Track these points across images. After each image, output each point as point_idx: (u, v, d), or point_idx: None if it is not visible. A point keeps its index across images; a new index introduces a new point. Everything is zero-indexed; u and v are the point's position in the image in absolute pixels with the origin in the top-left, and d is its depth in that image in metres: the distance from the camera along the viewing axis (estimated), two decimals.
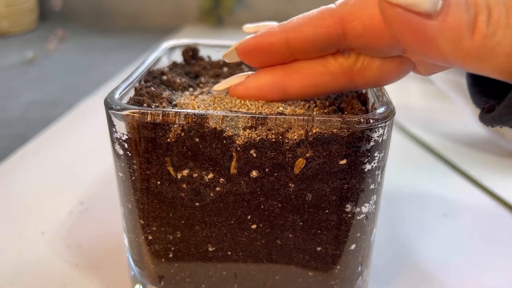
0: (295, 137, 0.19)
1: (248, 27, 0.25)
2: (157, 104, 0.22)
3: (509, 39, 0.15)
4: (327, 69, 0.21)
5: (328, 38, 0.20)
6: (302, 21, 0.20)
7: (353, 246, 0.22)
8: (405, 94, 0.63)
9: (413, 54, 0.20)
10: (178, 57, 0.31)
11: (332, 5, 0.20)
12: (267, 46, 0.21)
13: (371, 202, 0.22)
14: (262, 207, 0.21)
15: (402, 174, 0.42)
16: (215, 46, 0.32)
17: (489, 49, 0.15)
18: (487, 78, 0.20)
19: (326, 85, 0.21)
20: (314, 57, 0.21)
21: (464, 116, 0.53)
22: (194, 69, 0.29)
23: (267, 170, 0.20)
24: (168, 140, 0.20)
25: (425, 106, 0.60)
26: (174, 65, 0.29)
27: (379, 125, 0.19)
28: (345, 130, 0.19)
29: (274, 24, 0.22)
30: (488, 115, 0.18)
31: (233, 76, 0.23)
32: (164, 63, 0.29)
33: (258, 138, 0.19)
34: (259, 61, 0.22)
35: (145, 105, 0.22)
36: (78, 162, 0.45)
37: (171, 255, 0.23)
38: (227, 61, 0.23)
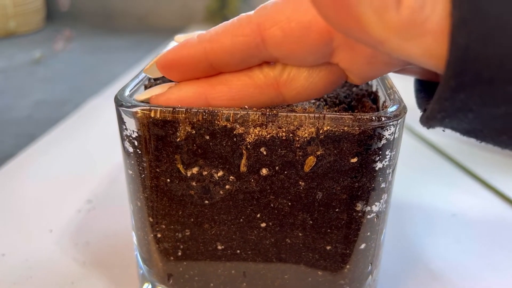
0: (306, 134, 0.19)
1: (179, 37, 0.24)
2: None
3: (438, 14, 0.13)
4: (253, 81, 0.20)
5: (247, 47, 0.18)
6: (220, 30, 0.19)
7: (363, 246, 0.22)
8: (412, 94, 0.63)
9: (343, 34, 0.17)
10: None
11: (250, 12, 0.19)
12: (185, 59, 0.19)
13: (381, 201, 0.21)
14: (271, 205, 0.21)
15: (410, 174, 0.42)
16: None
17: (416, 25, 0.13)
18: (433, 83, 0.20)
19: (252, 98, 0.20)
20: (238, 69, 0.20)
21: None
22: None
23: (277, 168, 0.20)
24: (178, 137, 0.20)
25: None
26: None
27: (391, 123, 0.19)
28: (357, 128, 0.19)
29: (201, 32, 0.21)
30: (423, 118, 0.17)
31: (156, 86, 0.22)
32: None
33: (268, 136, 0.19)
34: (180, 75, 0.20)
35: None
36: (86, 161, 0.45)
37: (180, 253, 0.23)
38: (149, 76, 0.22)
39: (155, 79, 0.25)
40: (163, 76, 0.21)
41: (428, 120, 0.16)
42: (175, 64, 0.20)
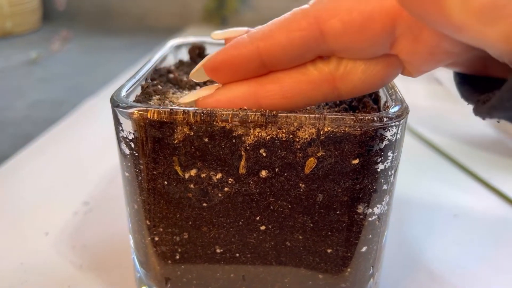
0: (306, 136, 0.19)
1: (216, 33, 0.23)
2: (164, 102, 0.22)
3: None
4: (306, 77, 0.19)
5: (304, 42, 0.18)
6: (273, 26, 0.18)
7: (364, 248, 0.22)
8: (413, 95, 0.63)
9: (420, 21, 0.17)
10: (184, 56, 0.31)
11: (305, 5, 0.18)
12: (237, 60, 0.19)
13: (383, 203, 0.21)
14: (271, 208, 0.21)
15: (411, 175, 0.42)
16: (221, 44, 0.31)
17: (498, 9, 0.13)
18: (473, 76, 0.19)
19: (306, 95, 0.19)
20: (291, 67, 0.19)
21: (472, 116, 0.53)
22: None
23: (277, 170, 0.20)
24: (176, 139, 0.19)
25: (433, 107, 0.60)
26: (180, 64, 0.29)
27: (393, 124, 0.19)
28: (358, 129, 0.18)
29: (243, 29, 0.20)
30: (485, 105, 0.16)
31: (202, 87, 0.21)
32: (170, 62, 0.29)
33: (268, 137, 0.19)
34: (230, 77, 0.20)
35: (152, 103, 0.21)
36: (83, 162, 0.44)
37: (177, 257, 0.22)
38: (194, 80, 0.21)
39: (152, 80, 0.25)
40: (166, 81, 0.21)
41: (491, 110, 0.16)
42: (225, 65, 0.19)
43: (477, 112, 0.17)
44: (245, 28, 0.22)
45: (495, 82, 0.16)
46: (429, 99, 0.62)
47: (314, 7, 0.17)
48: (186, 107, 0.21)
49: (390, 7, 0.17)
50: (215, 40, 0.23)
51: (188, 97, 0.20)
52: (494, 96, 0.15)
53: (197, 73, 0.20)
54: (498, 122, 0.18)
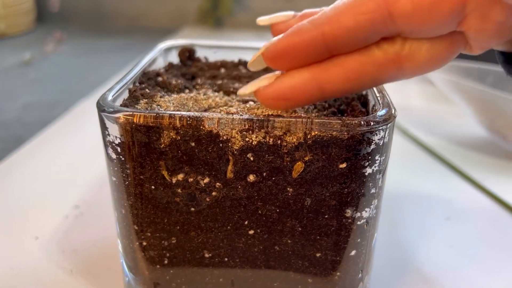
0: (294, 140, 0.19)
1: (262, 19, 0.23)
2: (151, 106, 0.22)
3: None
4: (371, 59, 0.18)
5: (373, 24, 0.17)
6: (338, 10, 0.18)
7: (353, 252, 0.22)
8: (406, 95, 0.63)
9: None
10: (174, 58, 0.31)
11: None
12: (300, 46, 0.18)
13: (371, 206, 0.21)
14: (259, 212, 0.20)
15: (403, 177, 0.42)
16: (212, 46, 0.31)
17: None
18: None
19: (371, 76, 0.19)
20: (354, 50, 0.19)
21: (465, 118, 0.53)
22: (191, 70, 0.29)
23: (264, 174, 0.19)
24: (162, 143, 0.19)
25: (426, 108, 0.60)
26: (170, 66, 0.29)
27: (380, 128, 0.19)
28: (345, 133, 0.18)
29: (290, 13, 0.20)
30: None
31: (259, 77, 0.20)
32: (160, 64, 0.29)
33: (255, 141, 0.19)
34: (291, 64, 0.19)
35: (139, 107, 0.21)
36: (75, 165, 0.44)
37: (166, 262, 0.22)
38: (252, 69, 0.21)
39: (140, 83, 0.24)
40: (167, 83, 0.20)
41: None
42: (287, 53, 0.19)
43: None
44: (292, 12, 0.21)
45: None
46: (422, 100, 0.63)
47: None
48: (244, 98, 0.21)
49: None
50: (261, 25, 0.23)
51: (247, 88, 0.20)
52: None
53: (255, 63, 0.20)
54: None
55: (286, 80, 0.19)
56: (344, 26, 0.17)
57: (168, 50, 0.30)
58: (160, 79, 0.25)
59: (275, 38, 0.19)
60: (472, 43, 0.19)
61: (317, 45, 0.18)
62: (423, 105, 0.61)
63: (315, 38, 0.18)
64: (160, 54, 0.29)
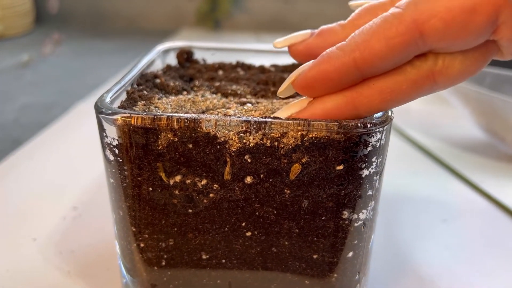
0: (291, 142, 0.19)
1: (279, 41, 0.22)
2: (149, 108, 0.22)
3: None
4: (405, 77, 0.18)
5: (405, 46, 0.17)
6: (367, 36, 0.18)
7: (350, 254, 0.22)
8: None
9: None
10: (172, 60, 0.31)
11: (396, 10, 0.17)
12: (332, 75, 0.18)
13: (368, 208, 0.21)
14: (257, 214, 0.20)
15: (401, 179, 0.42)
16: (210, 48, 0.31)
17: None
18: None
19: (405, 95, 0.19)
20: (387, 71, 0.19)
21: (463, 120, 0.53)
22: (189, 72, 0.29)
23: (262, 176, 0.19)
24: (160, 145, 0.19)
25: (423, 110, 0.60)
26: (168, 68, 0.29)
27: (377, 130, 0.19)
28: (342, 135, 0.18)
29: (306, 32, 0.20)
30: None
31: (293, 101, 0.20)
32: (158, 66, 0.29)
33: (252, 143, 0.19)
34: (323, 92, 0.19)
35: (137, 109, 0.21)
36: (72, 166, 0.44)
37: (163, 263, 0.22)
38: (282, 97, 0.20)
39: (138, 85, 0.24)
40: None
41: None
42: (319, 81, 0.18)
43: None
44: (309, 31, 0.21)
45: None
46: (420, 102, 0.63)
47: (410, 9, 0.17)
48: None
49: None
50: (278, 48, 0.22)
51: (279, 113, 0.20)
52: None
53: (286, 91, 0.20)
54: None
55: (319, 107, 0.19)
56: (376, 52, 0.17)
57: (166, 52, 0.30)
58: (158, 81, 0.25)
59: (305, 66, 0.19)
60: (505, 51, 0.19)
61: (349, 71, 0.18)
62: (421, 107, 0.61)
63: (347, 65, 0.18)
64: (158, 56, 0.29)
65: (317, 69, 0.18)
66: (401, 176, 0.42)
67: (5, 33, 1.00)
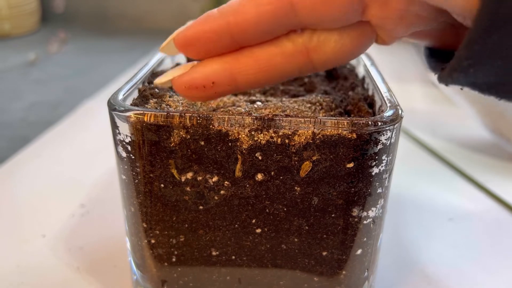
0: (302, 139, 0.19)
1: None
2: (161, 106, 0.22)
3: None
4: (280, 50, 0.19)
5: (275, 16, 0.17)
6: (243, 1, 0.18)
7: (359, 251, 0.22)
8: (409, 97, 0.63)
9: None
10: (182, 59, 0.31)
11: None
12: (207, 34, 0.18)
13: (378, 206, 0.21)
14: (267, 211, 0.21)
15: (407, 179, 0.42)
16: None
17: None
18: (442, 50, 0.19)
19: (281, 67, 0.19)
20: (265, 41, 0.19)
21: (469, 120, 0.53)
22: None
23: (272, 173, 0.20)
24: (172, 142, 0.19)
25: (429, 110, 0.60)
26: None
27: (387, 128, 0.19)
28: (353, 133, 0.19)
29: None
30: (446, 69, 0.16)
31: (176, 67, 0.20)
32: (168, 65, 0.29)
33: (264, 141, 0.19)
34: (201, 52, 0.19)
35: (149, 106, 0.22)
36: (80, 164, 0.44)
37: (174, 259, 0.23)
38: (165, 54, 0.21)
39: (149, 83, 0.25)
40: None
41: (451, 72, 0.16)
42: (195, 40, 0.19)
43: (441, 78, 0.17)
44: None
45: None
46: (425, 103, 0.63)
47: None
48: (162, 86, 0.21)
49: None
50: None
51: (163, 77, 0.20)
52: (455, 56, 0.15)
53: (167, 47, 0.20)
54: (461, 89, 0.18)
55: (199, 70, 0.19)
56: (247, 17, 0.18)
57: None
58: None
59: (186, 25, 0.19)
60: (380, 32, 0.19)
61: (223, 34, 0.18)
62: (427, 107, 0.61)
63: (220, 27, 0.18)
64: (168, 55, 0.29)
65: (195, 29, 0.18)
66: (407, 176, 0.42)
67: (12, 32, 1.00)
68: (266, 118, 0.19)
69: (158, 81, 0.20)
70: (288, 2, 0.17)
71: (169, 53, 0.20)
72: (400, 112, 0.20)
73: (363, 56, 0.30)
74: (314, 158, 0.19)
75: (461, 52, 0.15)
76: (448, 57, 0.17)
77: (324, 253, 0.22)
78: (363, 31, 0.19)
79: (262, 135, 0.19)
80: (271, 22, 0.18)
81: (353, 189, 0.20)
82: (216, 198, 0.21)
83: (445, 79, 0.17)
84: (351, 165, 0.19)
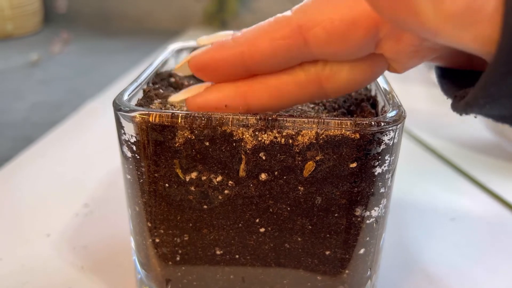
0: (305, 139, 0.19)
1: (202, 39, 0.22)
2: (165, 106, 0.22)
3: (493, 0, 0.13)
4: (293, 79, 0.19)
5: (287, 50, 0.18)
6: (257, 33, 0.18)
7: (362, 251, 0.22)
8: (411, 98, 0.63)
9: (393, 24, 0.17)
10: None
11: (288, 13, 0.18)
12: (221, 62, 0.19)
13: (381, 206, 0.21)
14: (270, 210, 0.21)
15: (409, 179, 0.42)
16: None
17: (472, 13, 0.13)
18: (455, 70, 0.19)
19: (293, 96, 0.20)
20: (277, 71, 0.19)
21: (470, 120, 0.53)
22: None
23: (276, 173, 0.20)
24: (177, 142, 0.20)
25: (431, 110, 0.60)
26: None
27: (390, 128, 0.19)
28: (356, 133, 0.19)
29: (229, 33, 0.20)
30: (461, 102, 0.16)
31: (191, 86, 0.21)
32: (172, 66, 0.29)
33: (267, 141, 0.19)
34: (214, 77, 0.20)
35: (153, 107, 0.22)
36: (83, 164, 0.45)
37: (178, 258, 0.23)
38: (180, 74, 0.21)
39: (153, 83, 0.25)
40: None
41: (466, 107, 0.16)
42: (209, 66, 0.19)
43: (454, 108, 0.17)
44: (231, 32, 0.22)
45: (477, 75, 0.16)
46: (427, 103, 0.63)
47: (297, 13, 0.18)
48: (176, 105, 0.21)
49: (372, 11, 0.17)
50: (202, 45, 0.22)
51: (178, 95, 0.21)
52: (469, 93, 0.15)
53: (182, 68, 0.21)
54: (475, 117, 0.18)
55: (213, 93, 0.20)
56: (260, 50, 0.18)
57: (179, 51, 0.31)
58: (172, 79, 0.26)
59: (202, 49, 0.20)
60: (393, 64, 0.19)
61: (236, 64, 0.19)
62: (429, 108, 0.61)
63: (234, 56, 0.19)
64: (172, 55, 0.30)
65: (209, 55, 0.19)
66: (409, 176, 0.42)
67: (14, 33, 1.01)
68: (270, 118, 0.19)
69: (172, 99, 0.21)
70: (301, 38, 0.17)
71: (184, 73, 0.21)
72: (402, 112, 0.20)
73: None
74: (318, 158, 0.19)
75: (477, 92, 0.15)
76: (461, 78, 0.17)
77: (327, 253, 0.22)
78: (375, 61, 0.19)
79: (266, 135, 0.19)
80: (285, 56, 0.18)
81: (356, 189, 0.20)
82: (220, 197, 0.21)
83: (459, 111, 0.17)
84: (354, 165, 0.19)
